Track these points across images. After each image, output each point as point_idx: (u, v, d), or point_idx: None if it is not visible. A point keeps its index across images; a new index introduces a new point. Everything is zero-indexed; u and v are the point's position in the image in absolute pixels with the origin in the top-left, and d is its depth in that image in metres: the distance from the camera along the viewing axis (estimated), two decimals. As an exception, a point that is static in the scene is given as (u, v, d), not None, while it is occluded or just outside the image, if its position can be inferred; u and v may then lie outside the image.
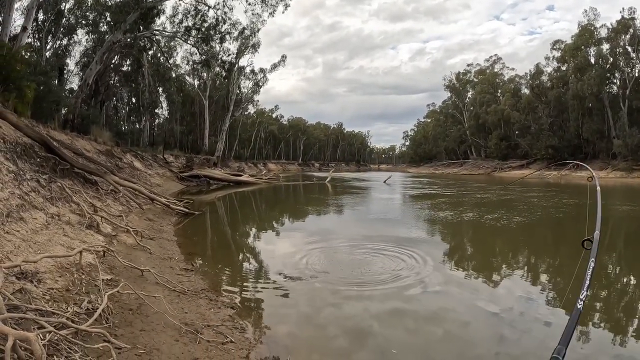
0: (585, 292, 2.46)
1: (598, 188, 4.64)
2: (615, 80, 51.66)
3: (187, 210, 16.18)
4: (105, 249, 7.40)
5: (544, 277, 10.31)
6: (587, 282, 2.54)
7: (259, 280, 8.60)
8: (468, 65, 78.69)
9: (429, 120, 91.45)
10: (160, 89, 39.77)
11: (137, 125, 39.69)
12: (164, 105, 43.65)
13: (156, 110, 40.56)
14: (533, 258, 12.09)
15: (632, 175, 43.54)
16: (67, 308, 4.77)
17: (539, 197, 27.68)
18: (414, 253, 11.34)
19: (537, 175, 52.64)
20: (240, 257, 11.37)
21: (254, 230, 16.10)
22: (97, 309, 4.71)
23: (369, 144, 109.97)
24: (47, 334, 3.80)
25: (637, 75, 49.09)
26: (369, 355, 5.92)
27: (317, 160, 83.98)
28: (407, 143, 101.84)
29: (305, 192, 33.51)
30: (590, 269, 2.65)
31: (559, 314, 7.78)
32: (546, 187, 37.64)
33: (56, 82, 29.36)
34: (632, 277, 9.74)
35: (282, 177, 41.41)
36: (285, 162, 69.26)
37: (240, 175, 35.74)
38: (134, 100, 38.70)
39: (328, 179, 40.34)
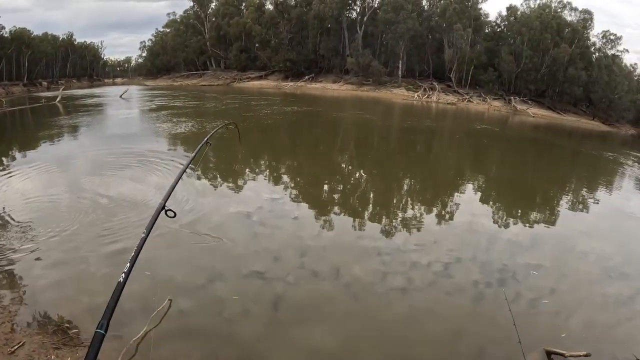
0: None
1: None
2: (355, 7, 58.28)
3: None
4: None
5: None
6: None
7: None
8: (215, -24, 75.61)
9: (168, 30, 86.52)
10: None
11: None
12: None
13: None
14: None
15: (361, 89, 50.86)
16: None
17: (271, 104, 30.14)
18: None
19: (275, 86, 56.32)
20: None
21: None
22: None
23: (102, 56, 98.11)
24: None
25: (375, 5, 56.07)
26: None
27: (44, 78, 72.05)
28: (145, 54, 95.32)
29: (33, 117, 29.47)
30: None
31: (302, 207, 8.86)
32: (283, 96, 41.02)
33: None
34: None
35: (5, 102, 35.05)
36: (8, 84, 57.27)
37: (-47, 107, 28.97)
38: None
39: (58, 99, 36.04)
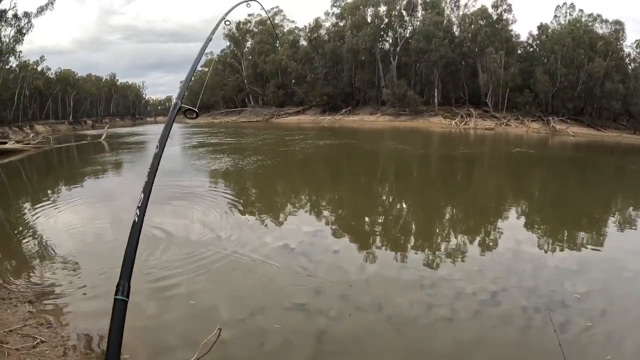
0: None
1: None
2: (387, 38, 59.68)
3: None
4: None
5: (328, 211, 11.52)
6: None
7: (48, 262, 7.54)
8: (249, 15, 77.94)
9: (207, 70, 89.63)
10: None
11: None
12: None
13: None
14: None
15: (398, 119, 51.13)
16: None
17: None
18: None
19: (312, 121, 57.11)
20: (21, 239, 9.77)
21: (28, 205, 14.09)
22: None
23: (144, 95, 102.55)
24: None
25: (407, 35, 57.14)
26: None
27: (89, 117, 75.57)
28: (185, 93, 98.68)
29: (79, 154, 30.92)
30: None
31: (343, 240, 8.86)
32: (319, 130, 41.45)
33: None
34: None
35: (52, 139, 36.94)
36: (54, 122, 60.31)
37: (5, 143, 30.32)
38: None
39: (103, 137, 37.67)
